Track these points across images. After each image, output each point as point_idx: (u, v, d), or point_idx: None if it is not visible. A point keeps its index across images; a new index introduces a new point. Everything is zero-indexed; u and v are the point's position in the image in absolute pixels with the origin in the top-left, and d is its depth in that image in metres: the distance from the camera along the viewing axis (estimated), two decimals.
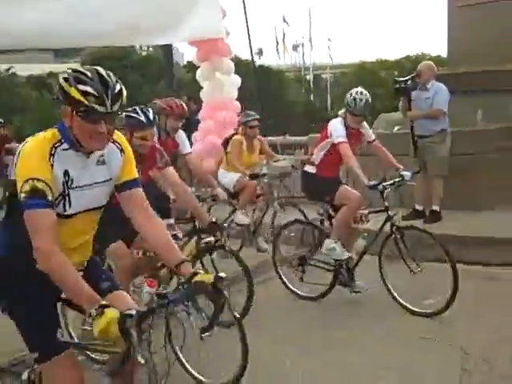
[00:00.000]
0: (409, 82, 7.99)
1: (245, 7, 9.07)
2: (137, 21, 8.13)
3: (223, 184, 7.37)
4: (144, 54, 56.09)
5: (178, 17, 8.28)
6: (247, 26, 9.07)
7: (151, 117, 4.69)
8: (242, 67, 16.41)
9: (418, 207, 7.90)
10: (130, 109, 4.62)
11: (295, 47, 73.02)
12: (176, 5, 8.23)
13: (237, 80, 11.11)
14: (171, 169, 4.99)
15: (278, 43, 70.16)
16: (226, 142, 7.74)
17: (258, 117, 7.59)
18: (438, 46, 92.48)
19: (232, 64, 11.21)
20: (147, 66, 44.12)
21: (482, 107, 8.89)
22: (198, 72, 11.02)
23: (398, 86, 8.08)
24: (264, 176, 7.41)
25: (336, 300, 5.86)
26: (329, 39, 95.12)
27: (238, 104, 11.16)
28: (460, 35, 9.85)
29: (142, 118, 4.61)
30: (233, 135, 7.84)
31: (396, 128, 10.03)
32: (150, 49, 61.28)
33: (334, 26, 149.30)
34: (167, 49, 10.96)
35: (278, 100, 45.17)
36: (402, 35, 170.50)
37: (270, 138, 11.52)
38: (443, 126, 7.84)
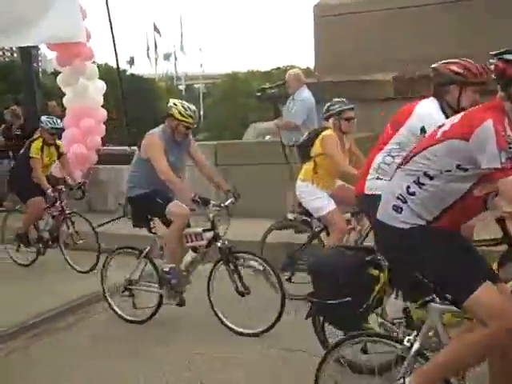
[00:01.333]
0: (274, 90, 8.00)
1: (108, 9, 8.67)
2: None
3: (303, 200, 5.91)
4: (7, 60, 53.71)
5: (33, 18, 7.77)
6: (111, 28, 8.67)
7: None
8: (112, 75, 15.88)
9: (290, 217, 7.83)
10: None
11: (167, 56, 72.70)
12: (30, 5, 7.70)
13: (101, 85, 10.64)
14: None
15: (148, 49, 69.50)
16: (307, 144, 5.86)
17: (352, 106, 5.81)
18: (308, 58, 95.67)
19: (96, 68, 10.72)
20: (11, 73, 42.11)
21: None
22: (59, 78, 10.43)
23: (260, 94, 8.09)
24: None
25: None
26: (200, 49, 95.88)
27: (103, 111, 10.66)
28: (325, 45, 10.01)
29: None
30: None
31: (267, 137, 10.04)
32: (14, 55, 58.68)
33: (205, 36, 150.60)
34: (25, 54, 10.27)
35: (148, 109, 44.57)
36: (273, 47, 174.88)
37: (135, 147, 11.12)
38: (299, 136, 7.83)
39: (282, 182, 7.89)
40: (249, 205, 8.32)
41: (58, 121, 7.97)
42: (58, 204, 7.66)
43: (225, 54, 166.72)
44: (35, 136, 8.01)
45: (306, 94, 8.01)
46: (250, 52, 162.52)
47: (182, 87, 67.62)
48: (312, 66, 11.01)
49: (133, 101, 24.69)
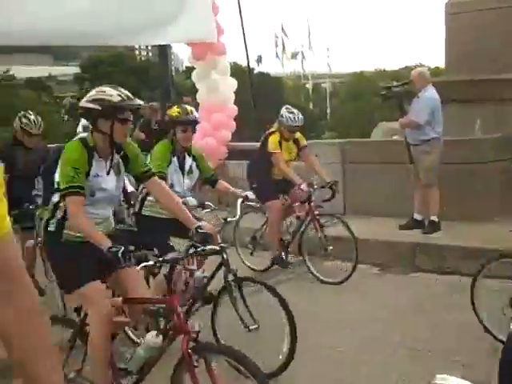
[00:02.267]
0: (399, 88, 7.85)
1: (240, 8, 8.88)
2: (126, 21, 7.98)
3: None
4: (143, 59, 56.21)
5: (167, 18, 8.14)
6: (242, 26, 8.87)
7: None
8: (241, 74, 16.34)
9: (417, 217, 7.75)
10: None
11: (294, 55, 73.24)
12: (165, 5, 8.10)
13: (233, 82, 11.02)
14: None
15: (277, 46, 70.52)
16: None
17: None
18: (437, 57, 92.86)
19: (227, 64, 11.12)
20: (146, 71, 44.18)
21: (480, 117, 8.73)
22: (194, 73, 10.94)
23: (384, 92, 7.98)
24: None
25: None
26: (327, 49, 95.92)
27: (234, 107, 11.00)
28: (457, 43, 9.72)
29: None
30: None
31: (395, 136, 9.93)
32: (150, 54, 61.41)
33: (332, 36, 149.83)
34: (163, 52, 10.81)
35: (276, 107, 45.21)
36: (402, 45, 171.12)
37: None
38: (427, 136, 7.57)
39: (408, 182, 7.83)
40: (374, 203, 8.38)
41: (299, 116, 6.86)
42: (306, 203, 6.71)
43: (352, 54, 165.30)
44: (271, 130, 7.08)
45: (430, 93, 7.76)
46: (378, 51, 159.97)
47: (308, 86, 67.88)
48: (441, 65, 10.74)
49: (262, 99, 25.16)
